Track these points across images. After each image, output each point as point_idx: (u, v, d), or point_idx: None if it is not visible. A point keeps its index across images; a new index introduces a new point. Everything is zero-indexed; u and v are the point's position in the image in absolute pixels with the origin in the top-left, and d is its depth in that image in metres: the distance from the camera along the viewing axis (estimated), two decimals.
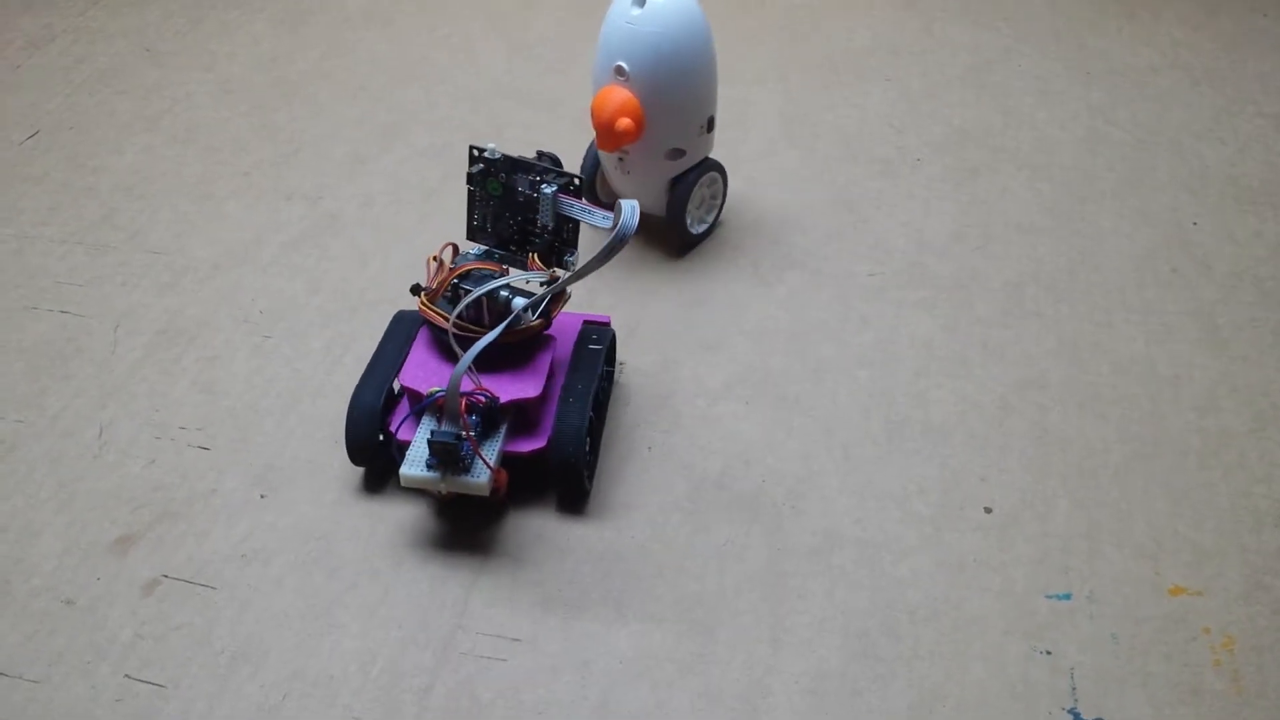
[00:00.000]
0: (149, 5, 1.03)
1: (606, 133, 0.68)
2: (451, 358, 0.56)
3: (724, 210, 0.77)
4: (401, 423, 0.57)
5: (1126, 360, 0.67)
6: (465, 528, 0.58)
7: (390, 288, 0.72)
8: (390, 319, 0.63)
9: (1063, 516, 0.58)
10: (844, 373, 0.66)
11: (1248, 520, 0.58)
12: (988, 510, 0.58)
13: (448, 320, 0.56)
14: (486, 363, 0.56)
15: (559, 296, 0.58)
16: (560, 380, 0.59)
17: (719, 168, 0.74)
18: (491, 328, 0.55)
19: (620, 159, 0.71)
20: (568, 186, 0.57)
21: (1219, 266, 0.73)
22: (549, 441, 0.57)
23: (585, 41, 0.98)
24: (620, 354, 0.67)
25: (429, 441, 0.53)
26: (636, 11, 0.67)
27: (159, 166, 0.83)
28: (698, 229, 0.75)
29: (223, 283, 0.73)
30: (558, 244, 0.59)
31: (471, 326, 0.56)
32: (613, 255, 0.52)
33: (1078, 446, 0.62)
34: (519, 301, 0.56)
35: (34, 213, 0.79)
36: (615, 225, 0.51)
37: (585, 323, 0.63)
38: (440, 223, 0.77)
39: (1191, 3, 1.03)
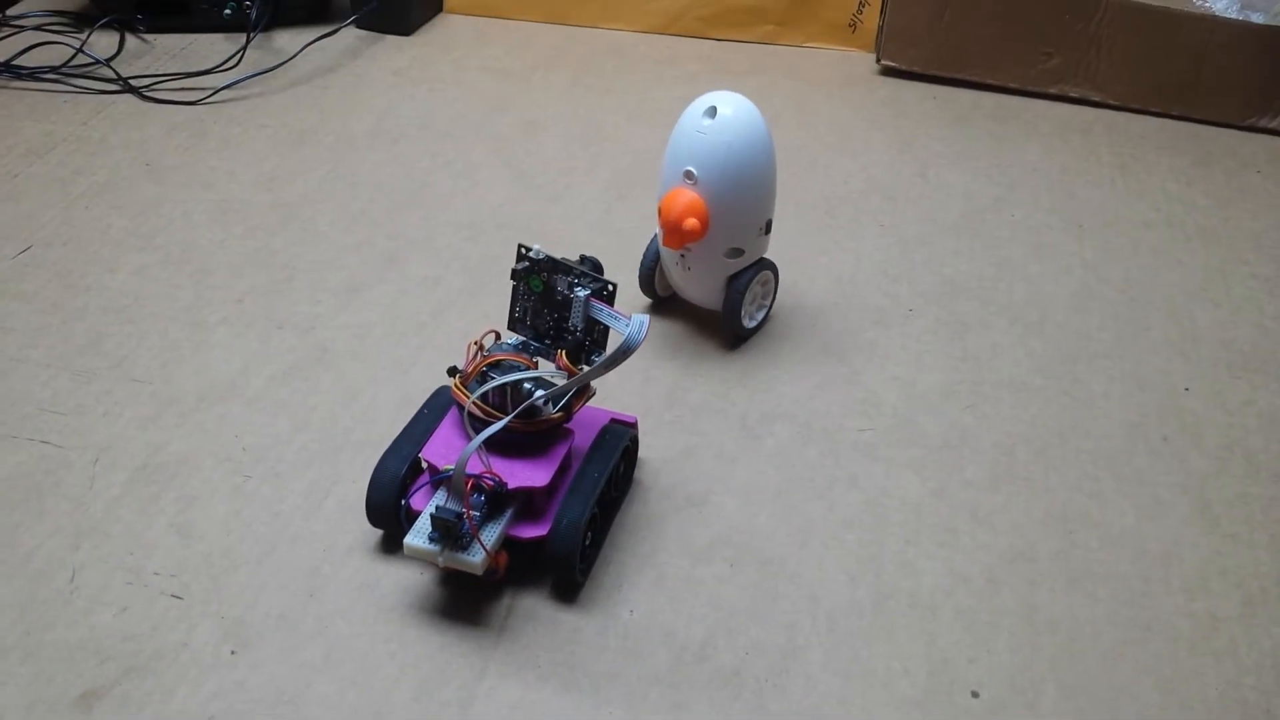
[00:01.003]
0: (152, 117, 1.04)
1: (674, 231, 0.73)
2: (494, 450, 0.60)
3: (715, 360, 0.77)
4: (414, 493, 0.61)
5: (1117, 535, 0.66)
6: (463, 614, 0.56)
7: (377, 427, 0.71)
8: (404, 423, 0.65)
9: (1050, 704, 0.57)
10: (831, 536, 0.66)
11: (1236, 713, 0.57)
12: (975, 695, 0.57)
13: (482, 409, 0.60)
14: (505, 448, 0.60)
15: (582, 392, 0.62)
16: (573, 472, 0.63)
17: (772, 267, 0.80)
18: (520, 422, 0.59)
19: (682, 255, 0.77)
20: (601, 292, 0.62)
21: (1210, 437, 0.73)
22: (549, 531, 0.60)
23: (586, 171, 0.98)
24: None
25: (431, 516, 0.57)
26: (707, 122, 0.72)
27: (151, 289, 0.83)
28: (750, 324, 0.80)
29: (206, 417, 0.72)
30: (587, 344, 0.63)
31: (494, 412, 0.59)
32: (616, 364, 0.57)
33: (1066, 627, 0.61)
34: (539, 393, 0.59)
35: (22, 333, 0.78)
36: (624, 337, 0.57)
37: (612, 420, 0.67)
38: (431, 358, 0.77)
39: (1184, 157, 1.04)
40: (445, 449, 0.60)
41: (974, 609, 0.62)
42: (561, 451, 0.61)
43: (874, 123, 1.07)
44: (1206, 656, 0.59)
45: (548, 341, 0.65)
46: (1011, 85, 1.13)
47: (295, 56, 1.13)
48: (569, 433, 0.62)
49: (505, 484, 0.58)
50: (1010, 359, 0.79)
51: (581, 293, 0.62)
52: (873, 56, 1.17)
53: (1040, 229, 0.93)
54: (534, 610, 0.61)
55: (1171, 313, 0.84)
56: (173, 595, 0.61)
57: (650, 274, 0.81)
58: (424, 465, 0.62)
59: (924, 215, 0.94)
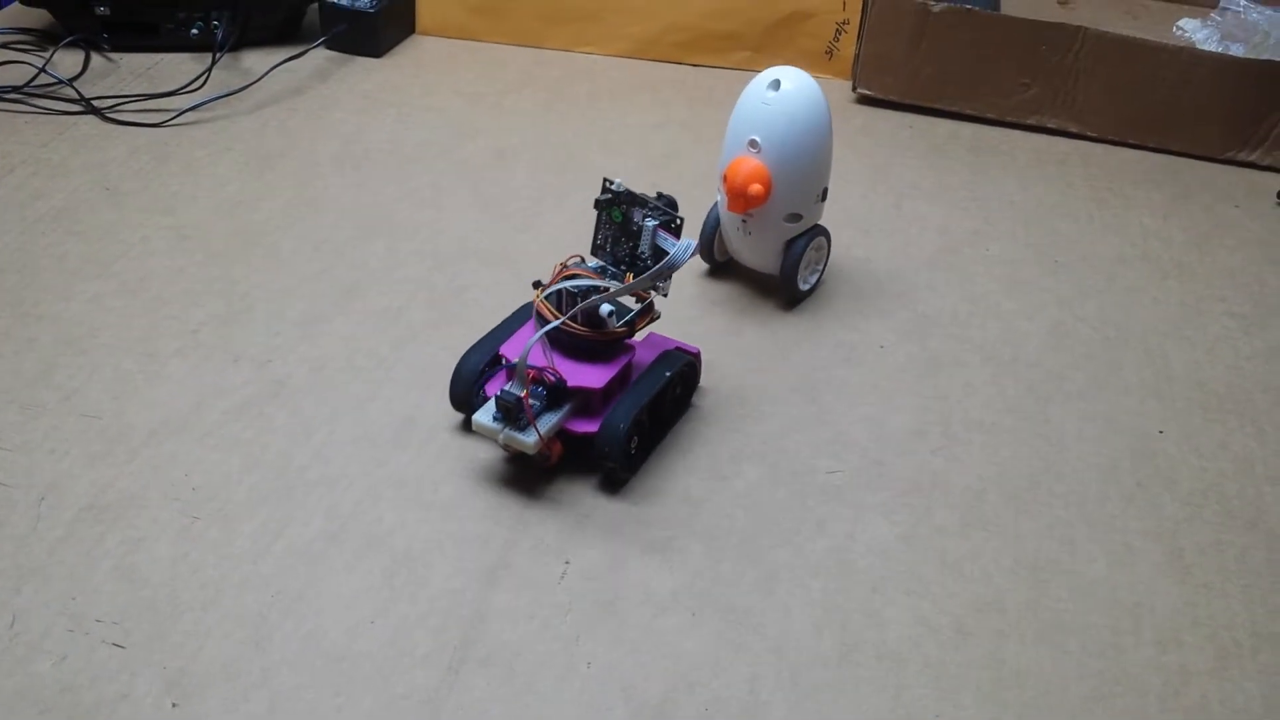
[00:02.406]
0: (114, 139, 1.02)
1: (739, 196, 0.78)
2: (551, 344, 0.69)
3: (695, 394, 0.75)
4: (489, 382, 0.69)
5: (1087, 584, 0.65)
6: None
7: (332, 466, 0.69)
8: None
9: None
10: (797, 583, 0.64)
11: None
12: None
13: (552, 314, 0.67)
14: (572, 352, 0.69)
15: (646, 313, 0.70)
16: (630, 384, 0.70)
17: (825, 233, 0.85)
18: (586, 329, 0.68)
19: (744, 221, 0.82)
20: (669, 224, 0.69)
21: (1184, 482, 0.72)
22: (599, 429, 0.67)
23: (555, 199, 0.97)
24: (572, 539, 0.65)
25: (496, 398, 0.65)
26: (771, 94, 0.78)
27: (105, 318, 0.80)
28: (804, 286, 0.85)
29: (156, 454, 0.70)
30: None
31: (571, 324, 0.67)
32: (658, 279, 0.66)
33: (1035, 681, 0.59)
34: (606, 308, 0.67)
35: None
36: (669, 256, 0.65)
37: (676, 348, 0.74)
38: (389, 393, 0.75)
39: (1162, 190, 1.03)
40: (519, 347, 0.67)
41: (941, 661, 0.60)
42: (621, 363, 0.70)
43: (849, 152, 1.06)
44: (1177, 713, 0.58)
45: (623, 267, 0.71)
46: (989, 115, 1.12)
47: (263, 78, 1.12)
48: (630, 348, 0.71)
49: (565, 381, 0.67)
50: (982, 399, 0.78)
51: (650, 223, 0.69)
52: (849, 84, 1.16)
53: (1016, 264, 0.92)
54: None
55: (1146, 352, 0.83)
56: (114, 644, 0.59)
57: (710, 240, 0.86)
58: (501, 359, 0.70)
59: (898, 249, 0.93)
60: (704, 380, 0.77)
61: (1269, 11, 1.27)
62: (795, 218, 0.82)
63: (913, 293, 0.88)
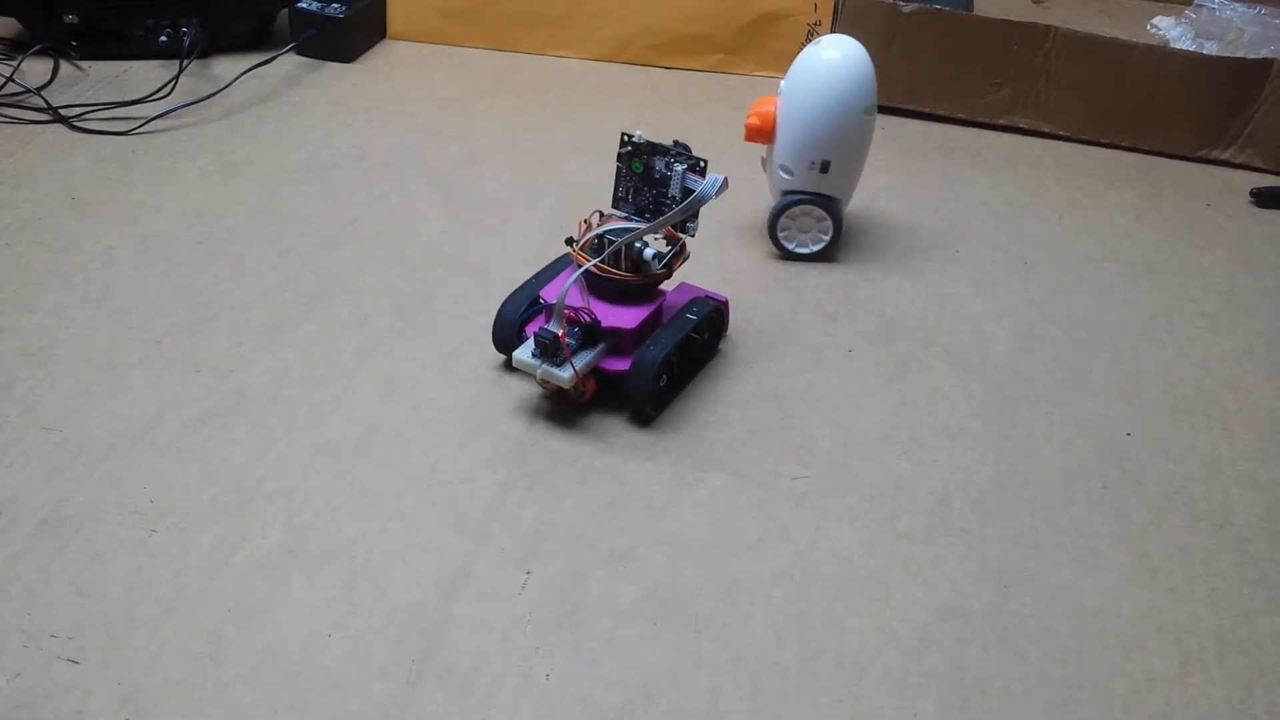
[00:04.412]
0: (81, 149, 1.01)
1: (746, 123, 0.88)
2: (589, 288, 0.74)
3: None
4: (530, 323, 0.75)
5: (1052, 590, 0.64)
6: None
7: (290, 477, 0.69)
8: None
9: None
10: (759, 591, 0.64)
11: None
12: None
13: (589, 260, 0.72)
14: (608, 295, 0.74)
15: (679, 255, 0.75)
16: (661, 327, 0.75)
17: (836, 212, 0.88)
18: (625, 274, 0.73)
19: (762, 158, 0.91)
20: (694, 167, 0.73)
21: (1150, 485, 0.71)
22: (629, 367, 0.72)
23: (526, 205, 0.96)
24: (534, 549, 0.64)
25: (535, 335, 0.71)
26: (811, 50, 0.85)
27: (67, 330, 0.80)
28: (789, 245, 0.90)
29: (115, 466, 0.69)
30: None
31: (610, 269, 0.72)
32: (687, 212, 0.72)
33: (998, 689, 0.59)
34: (650, 251, 0.72)
35: None
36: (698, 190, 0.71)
37: (705, 296, 0.79)
38: (351, 403, 0.75)
39: (1134, 189, 1.03)
40: (558, 289, 0.71)
41: (903, 669, 0.60)
42: (653, 306, 0.75)
43: None
44: None
45: (647, 215, 0.75)
46: (961, 116, 1.11)
47: (231, 84, 1.11)
48: (661, 294, 0.76)
49: (599, 321, 0.72)
50: (949, 403, 0.77)
51: (679, 168, 0.73)
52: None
53: (985, 265, 0.91)
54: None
55: (1115, 354, 0.82)
56: (69, 659, 0.58)
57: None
58: (540, 300, 0.75)
59: (867, 251, 0.92)
60: (670, 387, 0.77)
61: (1243, 9, 1.27)
62: (788, 171, 0.87)
63: (882, 296, 0.87)
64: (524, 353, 0.72)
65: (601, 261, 0.72)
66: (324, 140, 1.04)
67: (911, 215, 0.97)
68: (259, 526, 0.66)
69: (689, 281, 0.81)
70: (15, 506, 0.66)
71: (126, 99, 1.07)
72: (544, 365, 0.71)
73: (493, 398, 0.76)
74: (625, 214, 0.76)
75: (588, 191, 0.98)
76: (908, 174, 1.03)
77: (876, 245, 0.93)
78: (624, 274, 0.73)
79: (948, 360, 0.81)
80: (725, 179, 0.71)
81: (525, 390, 0.76)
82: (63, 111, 1.05)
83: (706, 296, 0.79)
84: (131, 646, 0.59)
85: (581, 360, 0.71)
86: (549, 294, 0.74)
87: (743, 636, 0.61)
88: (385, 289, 0.86)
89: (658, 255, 0.73)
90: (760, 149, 0.92)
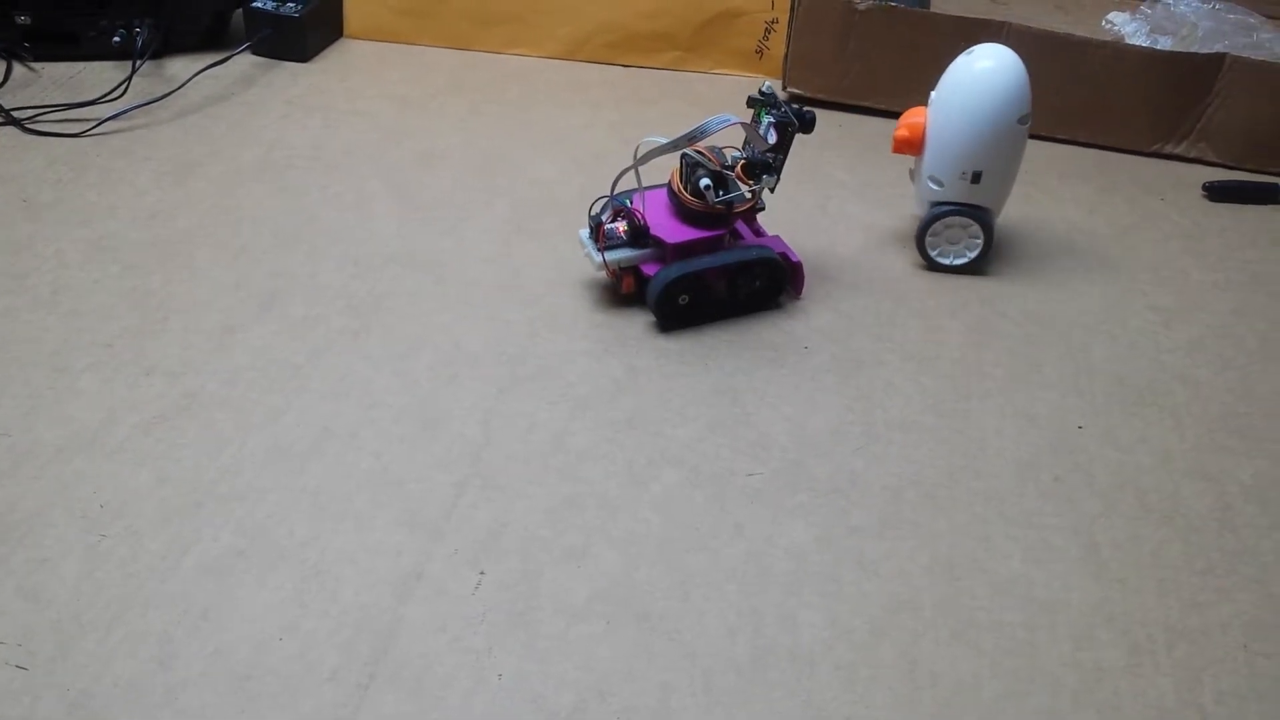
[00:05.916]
0: (33, 150, 1.00)
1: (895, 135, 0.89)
2: (675, 210, 0.82)
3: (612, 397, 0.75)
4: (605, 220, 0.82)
5: (1004, 581, 0.65)
6: None
7: (242, 479, 0.68)
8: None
9: None
10: (713, 587, 0.64)
11: None
12: None
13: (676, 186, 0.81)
14: (683, 216, 0.81)
15: (747, 202, 0.81)
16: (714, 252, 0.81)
17: (983, 221, 0.87)
18: (691, 199, 0.80)
19: (910, 170, 0.91)
20: (785, 127, 0.81)
21: (1101, 477, 0.72)
22: (653, 275, 0.80)
23: (484, 203, 0.96)
24: (488, 549, 0.64)
25: (590, 217, 0.81)
26: (964, 59, 0.85)
27: (18, 333, 0.79)
28: (936, 255, 0.90)
29: (64, 470, 0.69)
30: (774, 161, 0.81)
31: (689, 196, 0.80)
32: (686, 144, 0.78)
33: (948, 680, 0.59)
34: (705, 181, 0.78)
35: None
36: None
37: (771, 248, 0.82)
38: (304, 403, 0.74)
39: (1089, 183, 1.04)
40: (636, 200, 0.81)
41: (854, 663, 0.60)
42: (706, 233, 0.80)
43: None
44: (1089, 710, 0.58)
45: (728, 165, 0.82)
46: None
47: (185, 85, 1.10)
48: (730, 229, 0.82)
49: (648, 227, 0.80)
50: (903, 397, 0.77)
51: (768, 119, 0.81)
52: (780, 83, 1.16)
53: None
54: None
55: (1068, 347, 0.83)
56: (17, 665, 0.58)
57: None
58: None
59: (824, 248, 0.92)
60: (626, 385, 0.77)
61: (1196, 4, 1.28)
62: (937, 183, 0.87)
63: (838, 292, 0.87)
64: (584, 232, 0.82)
65: (638, 163, 0.78)
66: (279, 140, 1.04)
67: (866, 212, 0.98)
68: (210, 529, 0.65)
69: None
70: None
71: (79, 100, 1.06)
72: (591, 245, 0.80)
73: (447, 397, 0.75)
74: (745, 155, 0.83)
75: (547, 190, 0.98)
76: (864, 171, 1.04)
77: (833, 242, 0.93)
78: (690, 199, 0.79)
79: (901, 355, 0.81)
80: (735, 118, 0.78)
81: (480, 389, 0.76)
82: (15, 114, 1.04)
83: (774, 249, 0.82)
84: (80, 651, 0.58)
85: (618, 254, 0.80)
86: (635, 202, 0.82)
87: (695, 633, 0.61)
88: (339, 289, 0.85)
89: (709, 187, 0.78)
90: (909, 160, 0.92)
